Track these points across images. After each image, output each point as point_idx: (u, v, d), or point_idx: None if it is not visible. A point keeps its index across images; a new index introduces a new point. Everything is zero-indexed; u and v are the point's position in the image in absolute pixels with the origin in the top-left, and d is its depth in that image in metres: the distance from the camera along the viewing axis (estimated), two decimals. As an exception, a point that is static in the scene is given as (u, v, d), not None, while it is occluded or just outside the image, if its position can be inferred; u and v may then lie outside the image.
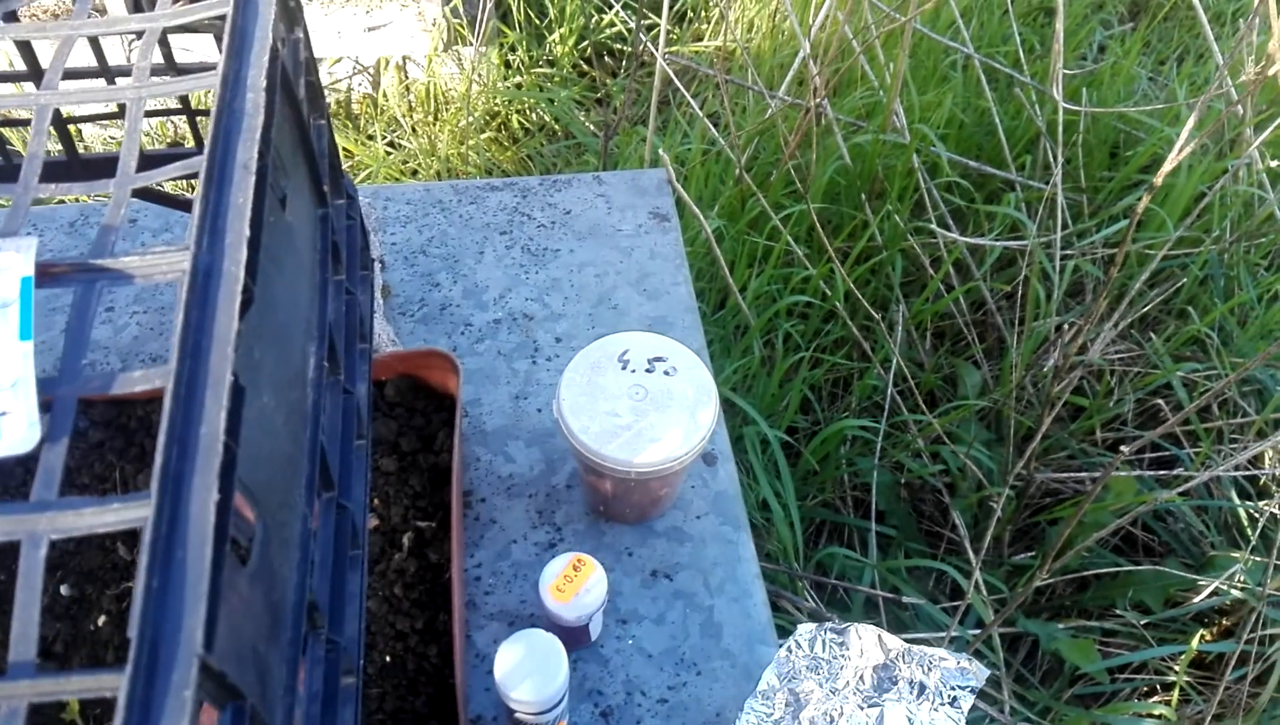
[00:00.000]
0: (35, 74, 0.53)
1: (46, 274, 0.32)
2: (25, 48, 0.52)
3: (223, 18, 0.41)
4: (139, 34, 0.42)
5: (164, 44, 0.59)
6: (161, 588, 0.26)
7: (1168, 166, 0.66)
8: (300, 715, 0.38)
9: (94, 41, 0.55)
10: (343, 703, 0.44)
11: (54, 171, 0.55)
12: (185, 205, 0.62)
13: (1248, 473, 1.15)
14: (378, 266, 0.73)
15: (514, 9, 1.76)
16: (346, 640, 0.44)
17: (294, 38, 0.49)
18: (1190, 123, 0.65)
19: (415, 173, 1.61)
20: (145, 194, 0.60)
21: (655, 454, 0.54)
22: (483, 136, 1.65)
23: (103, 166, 0.54)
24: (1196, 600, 1.11)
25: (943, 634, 1.03)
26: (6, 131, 1.28)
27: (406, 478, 0.62)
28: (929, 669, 0.53)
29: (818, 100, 1.19)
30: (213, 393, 0.29)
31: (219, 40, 0.53)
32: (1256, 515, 1.17)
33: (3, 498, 0.61)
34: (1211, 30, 1.66)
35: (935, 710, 0.52)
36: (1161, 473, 1.11)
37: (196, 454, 0.28)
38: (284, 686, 0.36)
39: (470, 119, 1.64)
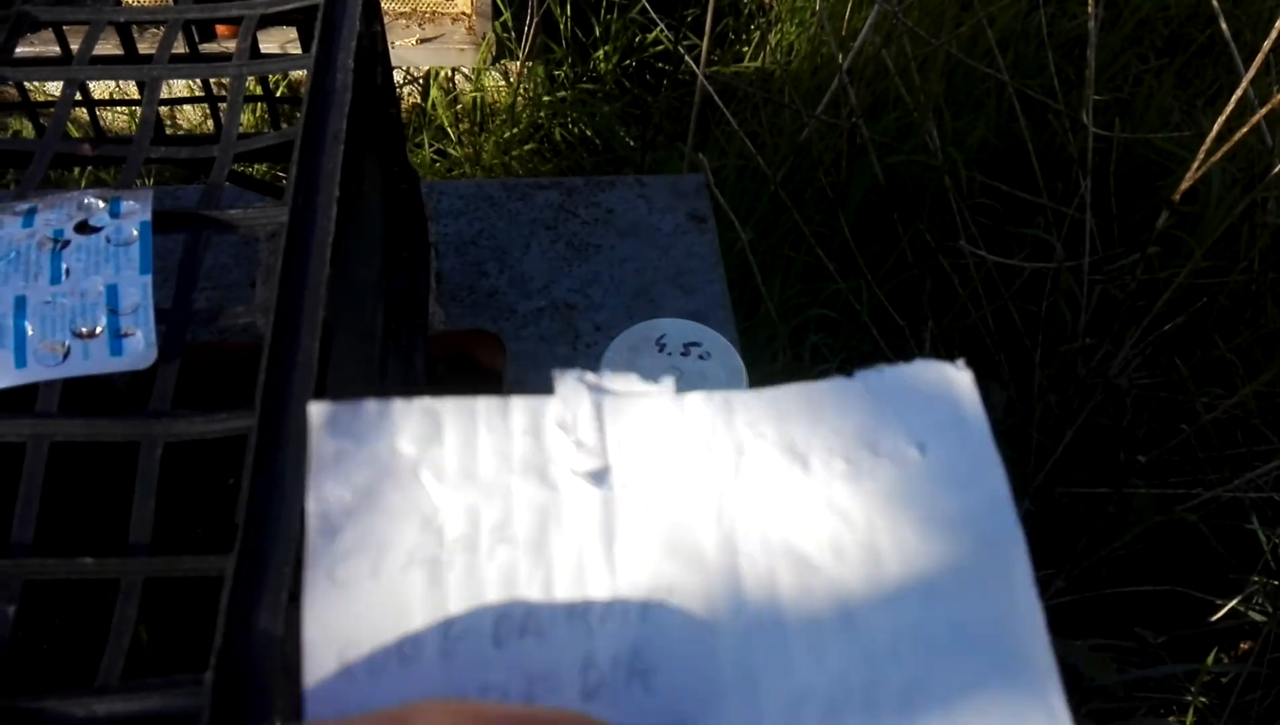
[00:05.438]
0: (133, 58, 0.58)
1: (162, 220, 0.36)
2: (125, 32, 0.57)
3: (315, 8, 0.45)
4: (237, 20, 0.47)
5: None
6: (264, 484, 0.30)
7: (1185, 184, 0.69)
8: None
9: (186, 28, 0.60)
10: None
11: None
12: (259, 187, 0.66)
13: (1263, 494, 1.17)
14: (432, 252, 0.77)
15: (561, 26, 1.82)
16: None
17: (373, 30, 0.53)
18: (1209, 139, 0.68)
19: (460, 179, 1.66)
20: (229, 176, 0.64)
21: (689, 430, 0.58)
22: (525, 148, 1.70)
23: (194, 140, 0.58)
24: (1213, 619, 1.13)
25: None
26: (100, 112, 1.34)
27: (452, 450, 0.66)
28: None
29: (853, 119, 1.23)
30: (308, 325, 0.33)
31: (301, 34, 0.57)
32: (1278, 539, 1.18)
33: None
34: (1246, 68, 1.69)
35: None
36: (1181, 491, 1.13)
37: (294, 375, 0.32)
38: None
39: (514, 130, 1.69)
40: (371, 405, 0.19)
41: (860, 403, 0.19)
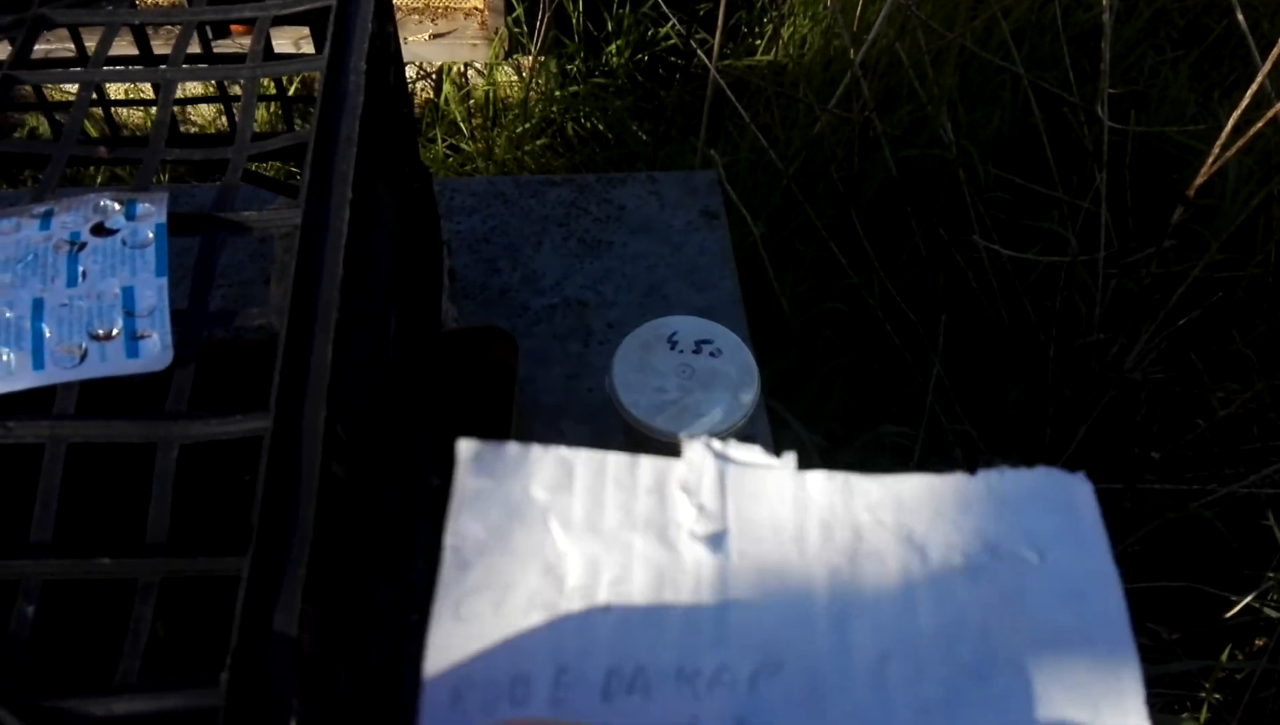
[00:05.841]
0: (147, 59, 0.58)
1: (177, 222, 0.36)
2: (140, 33, 0.57)
3: (328, 9, 0.45)
4: (251, 21, 0.47)
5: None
6: (279, 485, 0.30)
7: (1201, 177, 0.68)
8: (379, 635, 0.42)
9: (200, 29, 0.61)
10: (409, 637, 0.48)
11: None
12: (273, 186, 0.67)
13: (1279, 491, 1.16)
14: (444, 249, 0.77)
15: (573, 21, 1.81)
16: (417, 574, 0.48)
17: (386, 31, 0.53)
18: (1225, 131, 0.68)
19: (473, 174, 1.66)
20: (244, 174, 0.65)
21: (699, 427, 0.58)
22: (538, 142, 1.70)
23: (208, 140, 0.59)
24: (1228, 616, 1.12)
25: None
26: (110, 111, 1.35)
27: (465, 447, 0.66)
28: None
29: (866, 113, 1.22)
30: (321, 327, 0.33)
31: (314, 32, 0.58)
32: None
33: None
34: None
35: None
36: (1196, 487, 1.13)
37: (308, 378, 0.32)
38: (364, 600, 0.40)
39: (527, 125, 1.69)
40: (512, 448, 0.19)
41: (981, 502, 0.19)
